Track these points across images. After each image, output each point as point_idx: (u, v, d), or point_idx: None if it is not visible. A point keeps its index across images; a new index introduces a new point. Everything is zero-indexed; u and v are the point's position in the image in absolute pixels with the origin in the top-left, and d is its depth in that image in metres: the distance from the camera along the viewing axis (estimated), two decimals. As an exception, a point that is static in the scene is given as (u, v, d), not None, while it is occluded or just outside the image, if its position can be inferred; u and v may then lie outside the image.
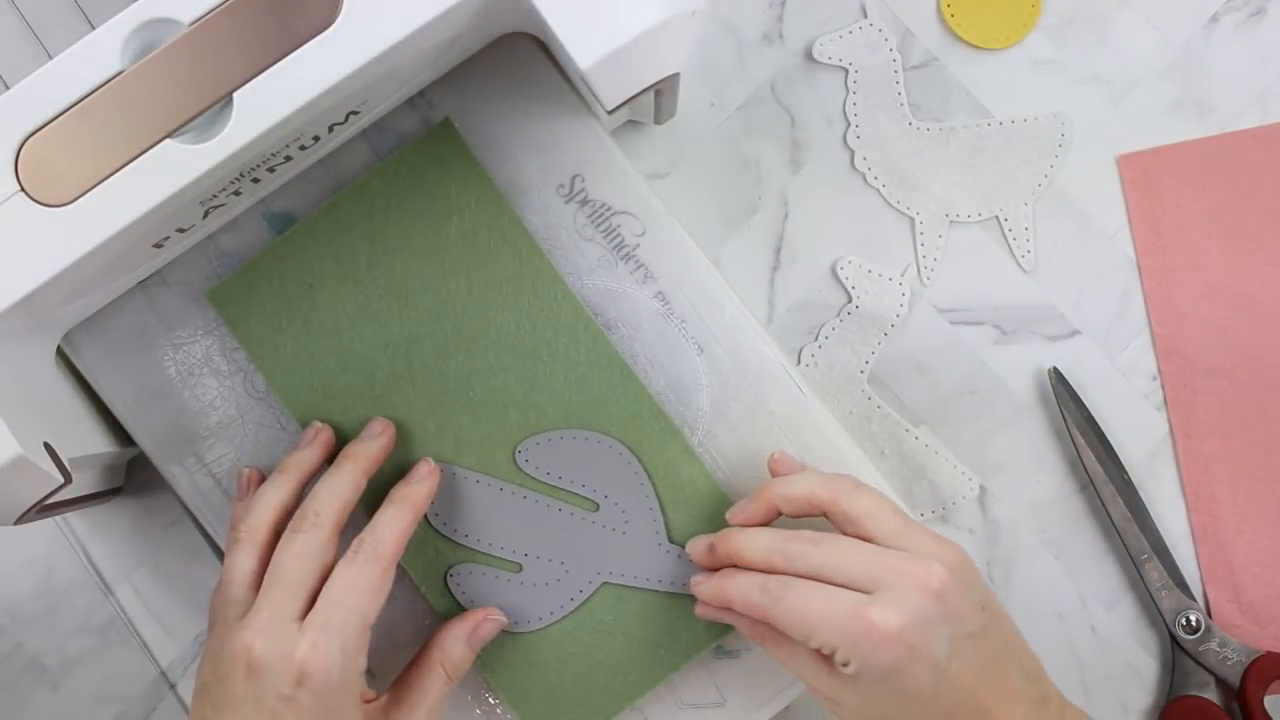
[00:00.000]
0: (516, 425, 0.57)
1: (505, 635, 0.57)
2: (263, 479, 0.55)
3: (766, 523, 0.53)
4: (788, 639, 0.49)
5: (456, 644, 0.54)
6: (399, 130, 0.57)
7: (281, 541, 0.51)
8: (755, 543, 0.51)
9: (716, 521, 0.56)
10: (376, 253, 0.57)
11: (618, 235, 0.57)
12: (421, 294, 0.57)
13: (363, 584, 0.50)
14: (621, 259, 0.57)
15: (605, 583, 0.57)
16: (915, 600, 0.47)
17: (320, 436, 0.55)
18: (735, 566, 0.52)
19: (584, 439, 0.57)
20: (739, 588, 0.51)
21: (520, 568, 0.57)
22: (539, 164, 0.57)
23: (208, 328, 0.58)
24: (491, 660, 0.57)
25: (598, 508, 0.57)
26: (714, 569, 0.53)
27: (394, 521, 0.52)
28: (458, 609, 0.57)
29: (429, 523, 0.57)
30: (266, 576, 0.50)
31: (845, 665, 0.47)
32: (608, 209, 0.57)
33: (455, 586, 0.57)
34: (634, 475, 0.57)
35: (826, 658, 0.48)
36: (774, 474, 0.55)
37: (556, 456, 0.57)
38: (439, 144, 0.57)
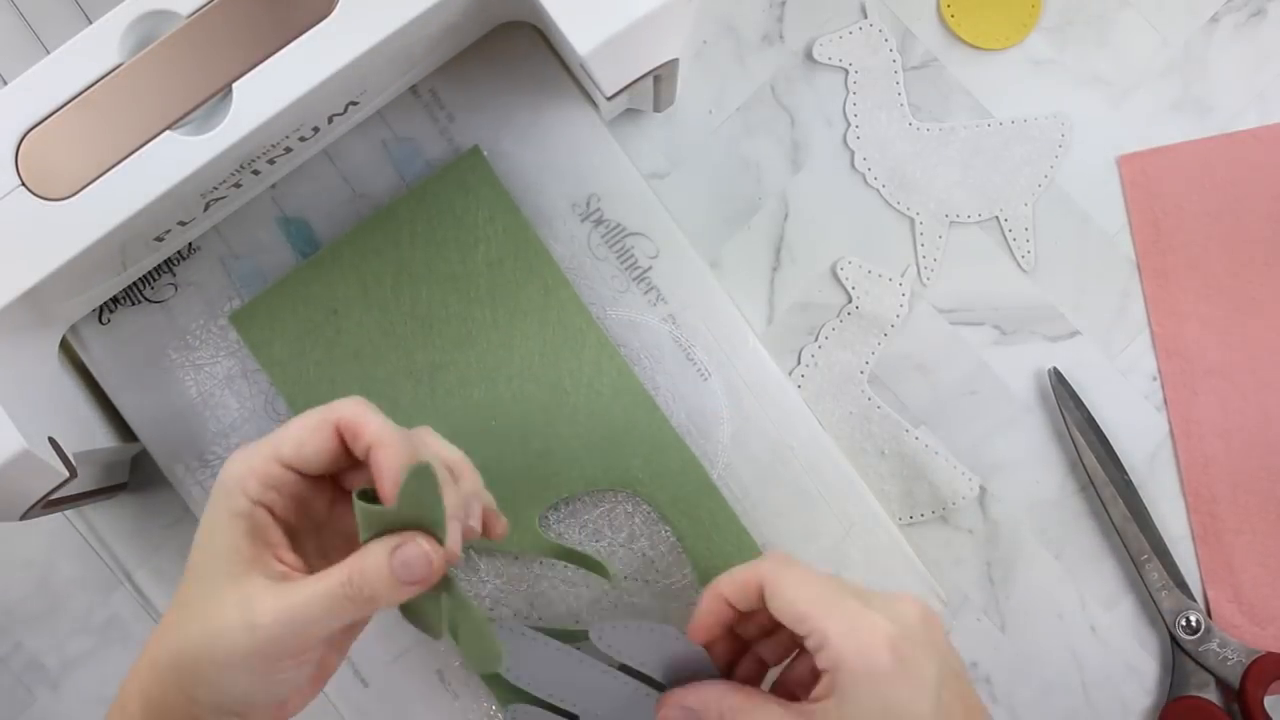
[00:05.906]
0: (538, 455, 0.57)
1: None
2: None
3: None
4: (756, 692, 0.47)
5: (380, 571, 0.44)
6: (426, 156, 0.58)
7: None
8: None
9: (737, 556, 0.56)
10: (402, 279, 0.57)
11: (631, 257, 0.57)
12: (446, 321, 0.57)
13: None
14: (634, 280, 0.57)
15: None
16: (907, 616, 0.45)
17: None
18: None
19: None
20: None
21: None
22: (559, 186, 0.58)
23: (230, 349, 0.58)
24: None
25: None
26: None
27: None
28: None
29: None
30: None
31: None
32: (622, 229, 0.58)
33: None
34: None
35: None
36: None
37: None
38: (467, 172, 0.57)
